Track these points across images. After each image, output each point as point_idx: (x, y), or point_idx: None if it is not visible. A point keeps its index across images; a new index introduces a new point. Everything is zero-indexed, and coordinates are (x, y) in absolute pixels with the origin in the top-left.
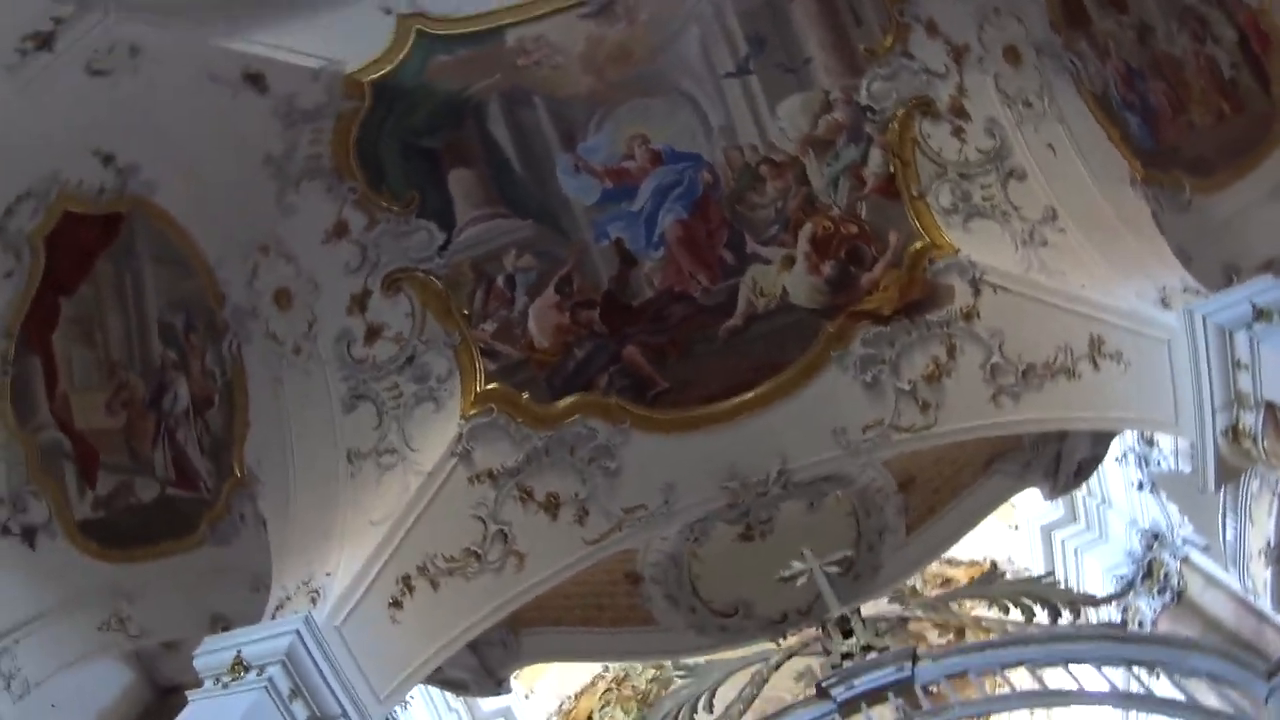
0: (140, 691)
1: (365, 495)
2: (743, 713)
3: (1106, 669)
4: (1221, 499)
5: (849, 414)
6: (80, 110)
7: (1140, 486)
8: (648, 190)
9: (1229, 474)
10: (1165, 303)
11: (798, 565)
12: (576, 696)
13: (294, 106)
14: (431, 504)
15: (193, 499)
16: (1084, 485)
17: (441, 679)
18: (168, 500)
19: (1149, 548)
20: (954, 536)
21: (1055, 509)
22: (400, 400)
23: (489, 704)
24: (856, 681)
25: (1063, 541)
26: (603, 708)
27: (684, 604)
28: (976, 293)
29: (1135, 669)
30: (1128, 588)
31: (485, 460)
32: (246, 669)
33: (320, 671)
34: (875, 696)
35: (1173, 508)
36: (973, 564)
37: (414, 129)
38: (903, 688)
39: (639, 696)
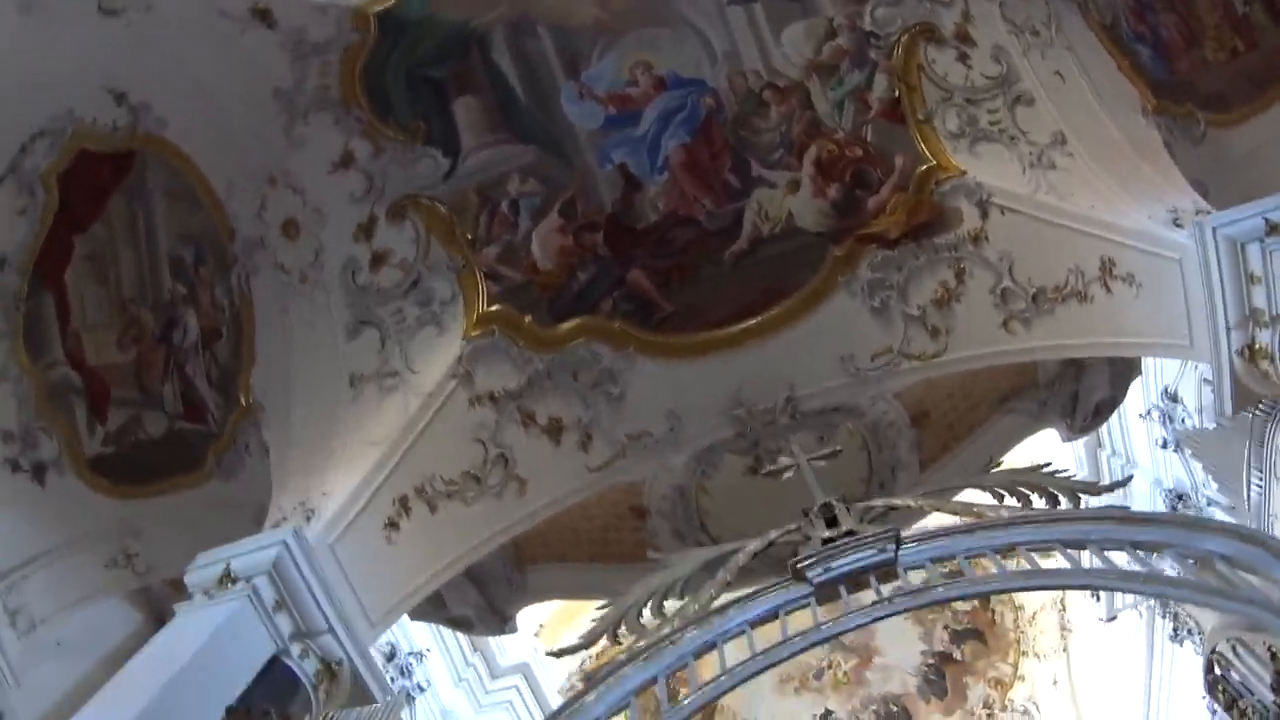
0: (148, 632)
1: (366, 418)
2: (714, 598)
3: (1109, 553)
4: (1246, 457)
5: (857, 341)
6: (93, 49)
7: (1164, 445)
8: (651, 115)
9: (1246, 399)
10: (1177, 223)
11: (784, 460)
12: (596, 655)
13: (302, 40)
14: (430, 425)
15: (200, 432)
16: (1108, 445)
17: (446, 617)
18: (176, 434)
19: (1173, 508)
20: (969, 475)
21: (1079, 468)
22: (403, 324)
23: (507, 659)
24: (834, 564)
25: (1086, 502)
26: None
27: (691, 539)
28: (984, 215)
29: (1140, 552)
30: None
31: (486, 382)
32: (234, 581)
33: (308, 585)
34: (855, 580)
35: (1197, 466)
36: None
37: (420, 60)
38: (885, 571)
39: None
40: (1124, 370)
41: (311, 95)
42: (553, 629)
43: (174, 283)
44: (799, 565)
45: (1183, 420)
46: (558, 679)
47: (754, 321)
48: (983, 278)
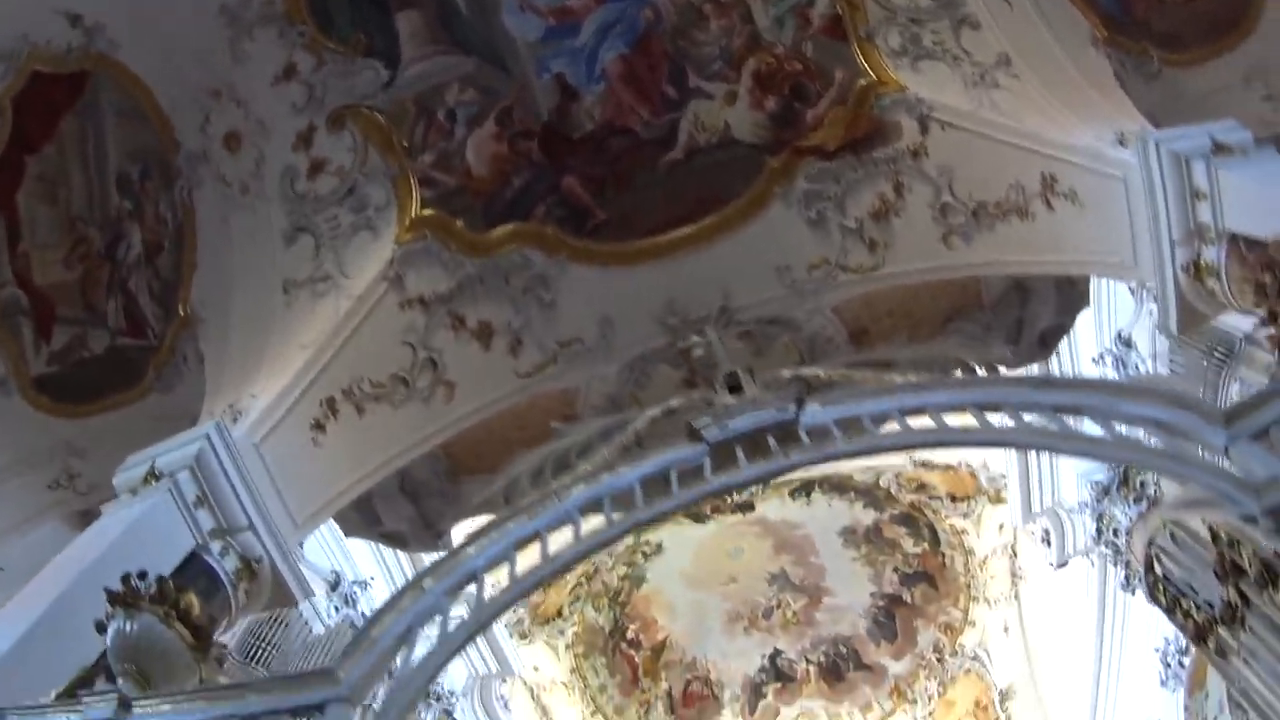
0: None
1: (298, 323)
2: (610, 463)
3: (1028, 416)
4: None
5: (793, 251)
6: None
7: None
8: (591, 27)
9: (1191, 319)
10: (1122, 143)
11: (696, 339)
12: (544, 589)
13: None
14: (360, 328)
15: (141, 347)
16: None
17: (380, 533)
18: (117, 350)
19: None
20: None
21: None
22: (338, 230)
23: None
24: (731, 423)
25: None
26: (572, 603)
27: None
28: (924, 130)
29: (1062, 416)
30: (1102, 493)
31: (417, 286)
32: (158, 478)
33: (230, 482)
34: (753, 441)
35: None
36: (947, 467)
37: None
38: (785, 432)
39: (609, 593)
40: (1071, 299)
41: (257, 11)
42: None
43: (120, 199)
44: (695, 425)
45: (1136, 366)
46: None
47: (688, 230)
48: (922, 192)
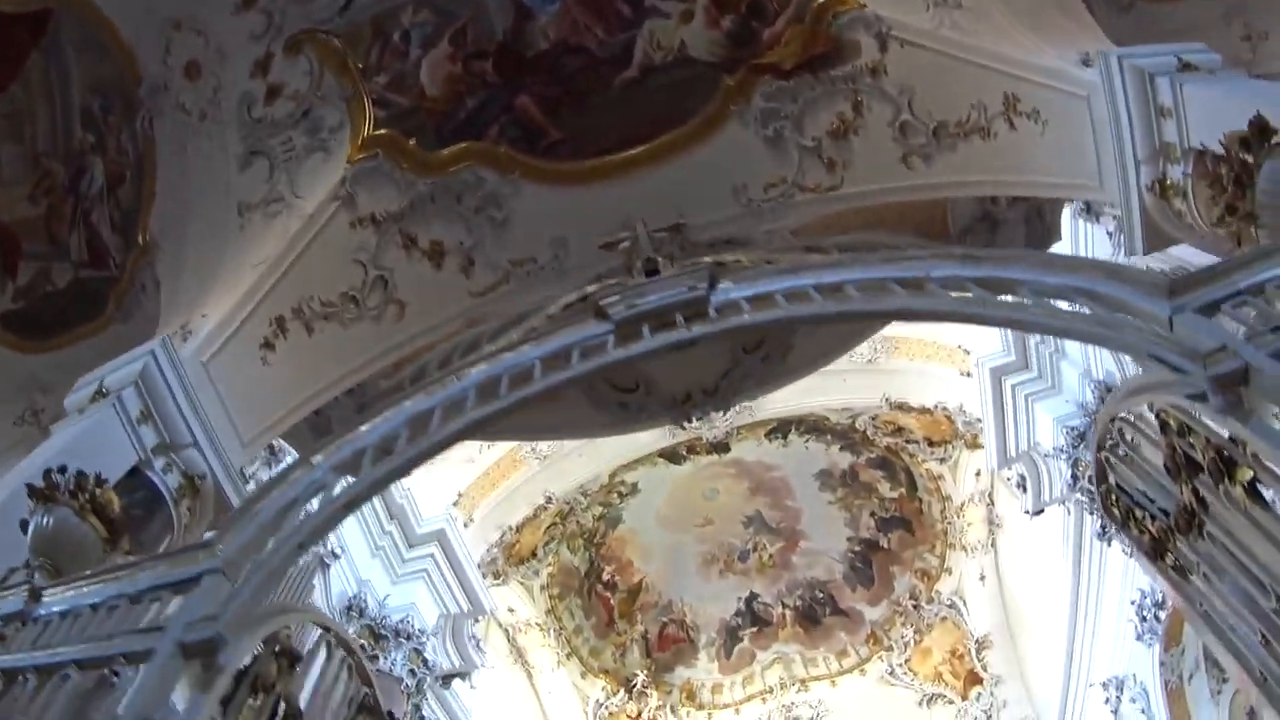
0: None
1: (250, 244)
2: (519, 342)
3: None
4: None
5: (750, 171)
6: None
7: None
8: None
9: (1158, 241)
10: (1086, 63)
11: (623, 233)
12: (517, 529)
13: None
14: (310, 246)
15: (102, 278)
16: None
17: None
18: (80, 283)
19: (1102, 400)
20: (874, 323)
21: (1007, 354)
22: (292, 152)
23: (424, 527)
24: (639, 300)
25: (1013, 388)
26: (546, 544)
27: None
28: (883, 48)
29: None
30: (1078, 438)
31: (369, 205)
32: (104, 395)
33: (174, 399)
34: (661, 320)
35: (1126, 358)
36: (924, 410)
37: None
38: (695, 311)
39: (584, 534)
40: (1040, 233)
41: None
42: (471, 496)
43: (84, 133)
44: (601, 302)
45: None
46: (476, 549)
47: (643, 149)
48: (881, 111)
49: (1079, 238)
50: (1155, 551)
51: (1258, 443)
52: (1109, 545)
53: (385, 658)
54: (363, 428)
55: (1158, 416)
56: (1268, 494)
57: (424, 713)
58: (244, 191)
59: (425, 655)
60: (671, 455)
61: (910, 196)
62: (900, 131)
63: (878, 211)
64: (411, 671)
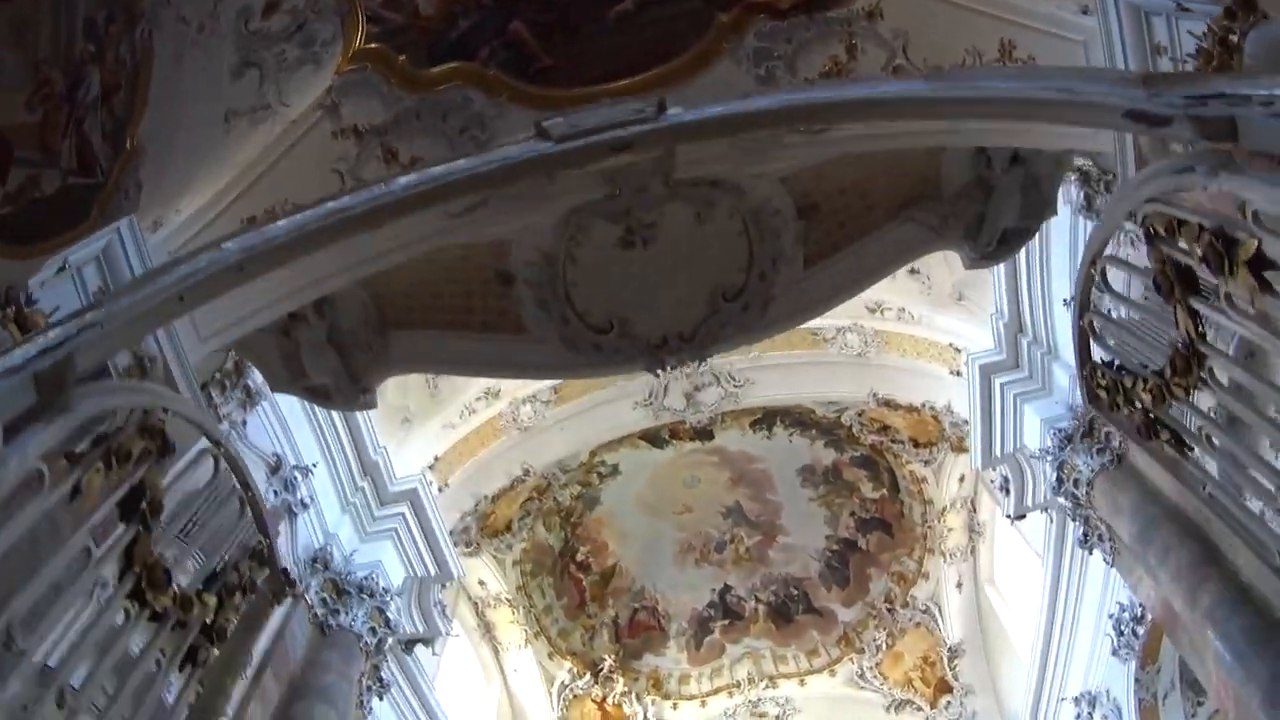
0: None
1: (233, 148)
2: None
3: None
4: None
5: None
6: None
7: None
8: None
9: None
10: (1085, 11)
11: None
12: (493, 499)
13: None
14: (290, 152)
15: (89, 185)
16: (1029, 331)
17: (305, 386)
18: (67, 190)
19: None
20: (859, 281)
21: (998, 352)
22: (284, 63)
23: (397, 486)
24: (584, 121)
25: (1002, 386)
26: (522, 518)
27: (556, 312)
28: None
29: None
30: (1065, 441)
31: (353, 116)
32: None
33: (133, 277)
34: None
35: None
36: (911, 409)
37: None
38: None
39: (561, 512)
40: (1036, 203)
41: None
42: (448, 462)
43: (85, 43)
44: (545, 123)
45: (1109, 311)
46: (449, 516)
47: (632, 80)
48: (875, 54)
49: (1079, 236)
50: (1147, 429)
51: (1256, 190)
52: (1090, 554)
53: (346, 613)
54: (279, 222)
55: (1143, 225)
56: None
57: (383, 674)
58: (234, 100)
59: (388, 615)
60: (654, 439)
61: (900, 144)
62: (894, 75)
63: (869, 170)
64: (372, 630)
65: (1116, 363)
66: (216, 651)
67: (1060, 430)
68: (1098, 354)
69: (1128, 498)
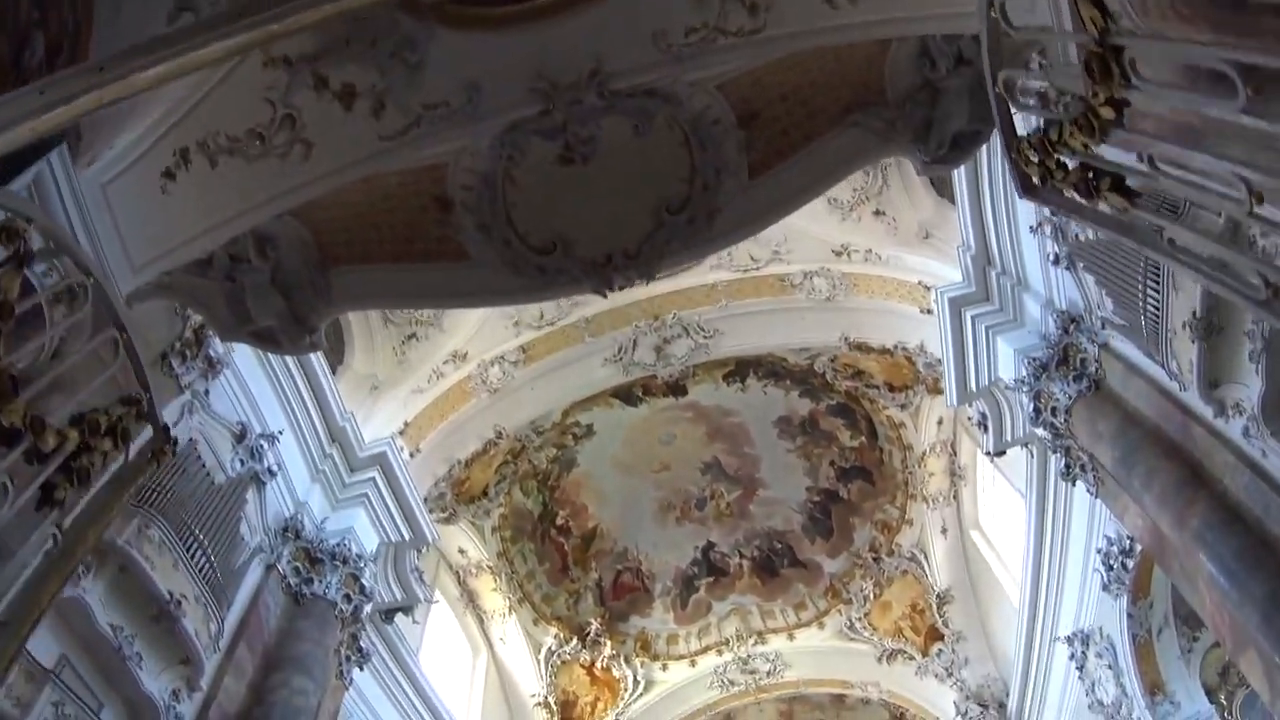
0: None
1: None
2: None
3: None
4: (1142, 268)
5: (670, 16)
6: None
7: (1056, 261)
8: None
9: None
10: None
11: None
12: (467, 464)
13: None
14: (222, 83)
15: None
16: (998, 262)
17: (251, 331)
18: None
19: (1065, 330)
20: (808, 188)
21: (967, 285)
22: (218, 4)
23: (366, 451)
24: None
25: (973, 319)
26: (498, 483)
27: (497, 235)
28: None
29: None
30: (1040, 370)
31: (282, 46)
32: None
33: (64, 207)
34: None
35: (1089, 282)
36: (884, 351)
37: None
38: None
39: (538, 475)
40: (984, 107)
41: None
42: (418, 427)
43: (30, 8)
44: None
45: (1075, 236)
46: (424, 483)
47: None
48: None
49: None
50: (1087, 187)
51: None
52: (1073, 486)
53: (320, 581)
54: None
55: None
56: None
57: (361, 644)
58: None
59: (363, 582)
60: (627, 396)
61: (836, 39)
62: None
63: (809, 75)
64: (347, 597)
65: (1040, 122)
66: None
67: (1035, 359)
68: (1021, 128)
69: (1107, 423)
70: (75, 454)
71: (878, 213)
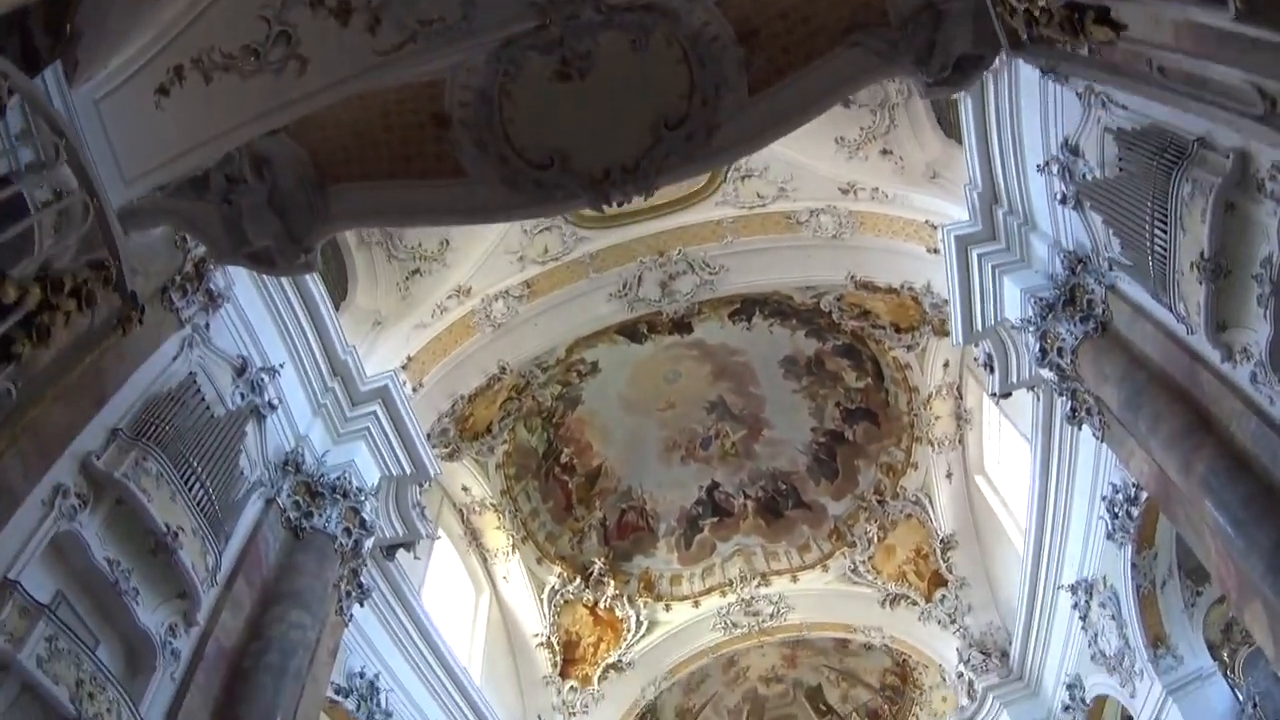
0: None
1: (162, 9)
2: None
3: None
4: (1149, 208)
5: None
6: None
7: (1064, 200)
8: None
9: None
10: None
11: None
12: (470, 399)
13: None
14: (216, 2)
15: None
16: (1005, 201)
17: (247, 253)
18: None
19: (1072, 271)
20: (808, 107)
21: (974, 224)
22: None
23: (368, 384)
24: None
25: (979, 257)
26: (502, 419)
27: (494, 151)
28: None
29: None
30: (1047, 309)
31: None
32: None
33: (58, 121)
34: None
35: (1097, 222)
36: (890, 290)
37: None
38: None
39: (542, 413)
40: (988, 31)
41: None
42: (421, 362)
43: None
44: None
45: (1084, 175)
46: (426, 418)
47: None
48: None
49: (1049, 102)
50: (1071, 24)
51: None
52: (1079, 430)
53: (320, 515)
54: None
55: None
56: None
57: (362, 580)
58: None
59: (363, 516)
60: (632, 333)
61: None
62: None
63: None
64: (347, 530)
65: None
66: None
67: (1041, 299)
68: None
69: (1113, 365)
70: (37, 311)
71: (885, 152)
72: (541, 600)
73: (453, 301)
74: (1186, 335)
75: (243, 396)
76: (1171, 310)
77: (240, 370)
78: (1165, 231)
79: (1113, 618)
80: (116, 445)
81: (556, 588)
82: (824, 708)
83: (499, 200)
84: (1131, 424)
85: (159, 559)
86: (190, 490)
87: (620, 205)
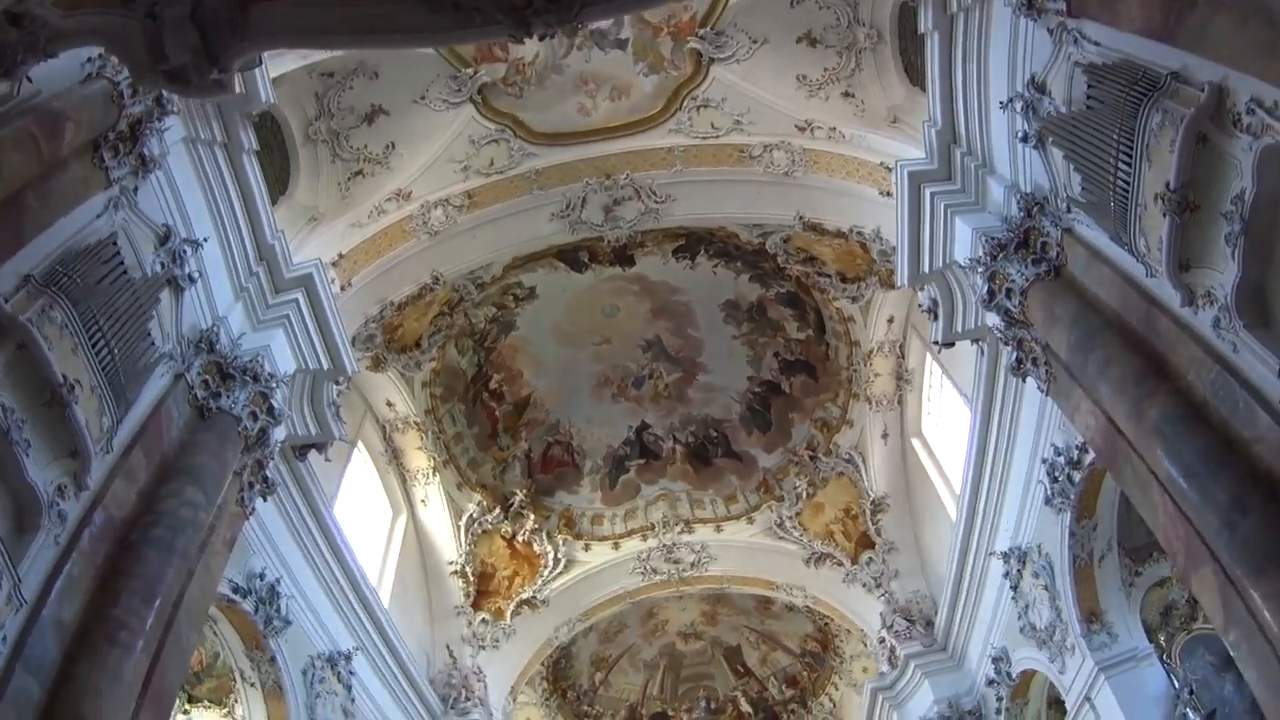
0: None
1: None
2: None
3: None
4: (1115, 139)
5: None
6: None
7: (1025, 139)
8: None
9: None
10: None
11: None
12: (400, 307)
13: None
14: None
15: None
16: (963, 141)
17: (165, 70)
18: None
19: (1028, 213)
20: None
21: (930, 162)
22: None
23: (293, 271)
24: None
25: (932, 195)
26: (432, 334)
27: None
28: None
29: None
30: (998, 249)
31: None
32: None
33: None
34: None
35: (1058, 155)
36: (839, 234)
37: None
38: None
39: (474, 334)
40: None
41: None
42: (352, 260)
43: None
44: None
45: (1049, 112)
46: (353, 320)
47: None
48: None
49: (1018, 38)
50: None
51: None
52: (1023, 383)
53: (228, 396)
54: None
55: None
56: None
57: (267, 473)
58: None
59: (272, 403)
60: (573, 261)
61: None
62: None
63: None
64: (254, 414)
65: None
66: None
67: (993, 239)
68: None
69: (1065, 308)
70: None
71: (847, 94)
72: (459, 527)
73: (391, 204)
74: (1145, 278)
75: (163, 266)
76: (1131, 250)
77: (163, 239)
78: (1130, 164)
79: (1046, 588)
80: (26, 291)
81: (475, 515)
82: (741, 669)
83: (419, 22)
84: (1080, 369)
85: (53, 412)
86: (94, 346)
87: (541, 39)
